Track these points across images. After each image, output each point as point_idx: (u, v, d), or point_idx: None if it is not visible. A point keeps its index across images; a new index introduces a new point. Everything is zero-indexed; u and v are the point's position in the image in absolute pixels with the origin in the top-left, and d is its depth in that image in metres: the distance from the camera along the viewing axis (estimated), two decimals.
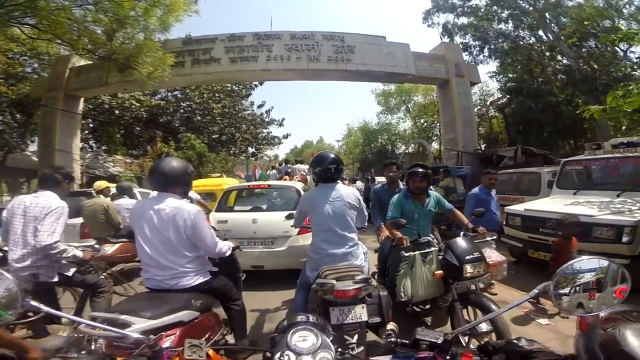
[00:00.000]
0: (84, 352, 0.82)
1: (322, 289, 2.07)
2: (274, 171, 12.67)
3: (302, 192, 5.27)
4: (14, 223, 2.67)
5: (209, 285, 2.20)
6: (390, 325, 1.82)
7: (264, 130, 22.47)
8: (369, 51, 11.62)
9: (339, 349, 0.91)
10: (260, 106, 22.15)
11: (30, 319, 2.57)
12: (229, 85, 19.39)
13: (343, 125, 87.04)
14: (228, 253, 2.38)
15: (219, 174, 14.35)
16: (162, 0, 8.19)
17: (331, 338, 0.92)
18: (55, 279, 2.74)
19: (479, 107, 21.55)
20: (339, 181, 2.78)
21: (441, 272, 2.66)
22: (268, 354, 0.91)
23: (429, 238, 3.05)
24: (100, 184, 5.60)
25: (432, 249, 2.82)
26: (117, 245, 3.99)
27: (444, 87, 13.25)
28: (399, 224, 2.91)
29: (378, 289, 2.25)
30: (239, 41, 10.94)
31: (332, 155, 2.71)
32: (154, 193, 2.31)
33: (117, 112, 15.43)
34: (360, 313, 2.05)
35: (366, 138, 30.04)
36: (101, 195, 5.32)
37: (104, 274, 3.69)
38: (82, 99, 11.82)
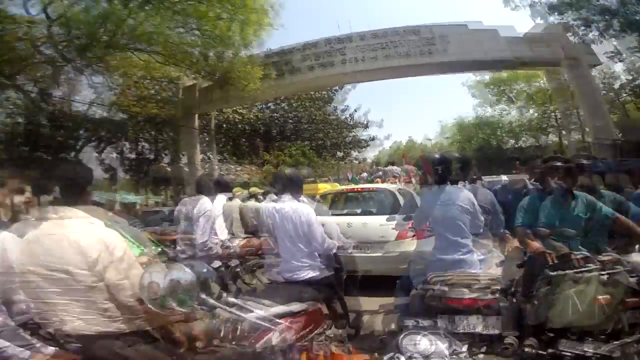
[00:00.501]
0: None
1: (431, 295, 2.00)
2: (365, 174, 12.64)
3: (398, 195, 5.08)
4: (180, 222, 3.33)
5: (318, 280, 2.43)
6: (509, 339, 1.81)
7: (350, 134, 22.58)
8: (457, 40, 10.75)
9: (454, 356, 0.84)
10: (344, 110, 22.43)
11: None
12: (316, 92, 20.01)
13: (433, 123, 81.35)
14: (334, 250, 2.62)
15: (326, 179, 14.94)
16: (239, 16, 9.00)
17: (446, 344, 0.90)
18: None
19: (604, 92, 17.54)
20: (459, 183, 2.73)
21: (608, 297, 1.91)
22: (376, 355, 0.91)
23: (586, 253, 2.19)
24: (254, 189, 6.91)
25: (591, 267, 2.03)
26: (244, 241, 4.62)
27: (553, 71, 11.28)
28: (543, 234, 2.37)
29: (500, 301, 2.02)
30: (313, 48, 11.31)
31: (438, 156, 2.68)
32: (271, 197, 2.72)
33: (224, 125, 17.63)
34: (474, 323, 1.91)
35: (464, 134, 27.40)
36: (237, 199, 6.08)
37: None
38: (196, 115, 13.85)
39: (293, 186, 2.63)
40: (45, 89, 9.55)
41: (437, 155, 2.68)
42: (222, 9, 8.95)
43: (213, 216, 3.30)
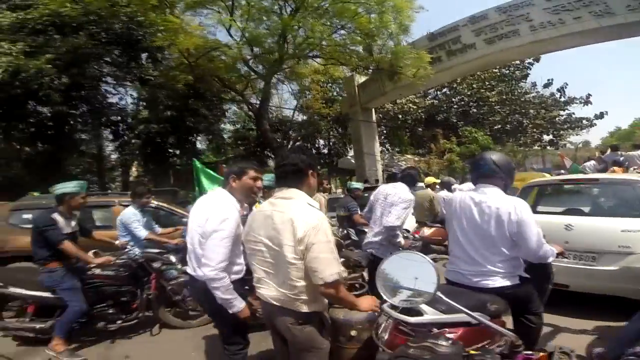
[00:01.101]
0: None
1: None
2: (592, 162, 9.59)
3: None
4: (376, 207, 3.41)
5: (513, 291, 1.94)
6: None
7: (562, 113, 17.72)
8: None
9: None
10: (546, 85, 18.00)
11: (358, 292, 3.19)
12: (496, 69, 17.08)
13: None
14: (551, 260, 2.01)
15: (523, 167, 12.89)
16: (386, 4, 8.64)
17: None
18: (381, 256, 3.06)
19: None
20: None
21: None
22: None
23: None
24: (429, 179, 6.88)
25: None
26: (433, 229, 4.91)
27: None
28: None
29: None
30: (484, 21, 9.53)
31: None
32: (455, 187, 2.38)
33: (400, 116, 17.56)
34: None
35: None
36: (429, 189, 6.42)
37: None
38: (373, 110, 14.33)
39: (500, 175, 2.06)
40: (264, 100, 12.25)
41: None
42: (367, 3, 8.96)
43: (412, 207, 3.25)
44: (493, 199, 1.97)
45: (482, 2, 10.14)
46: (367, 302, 1.64)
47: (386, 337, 1.66)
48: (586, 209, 3.92)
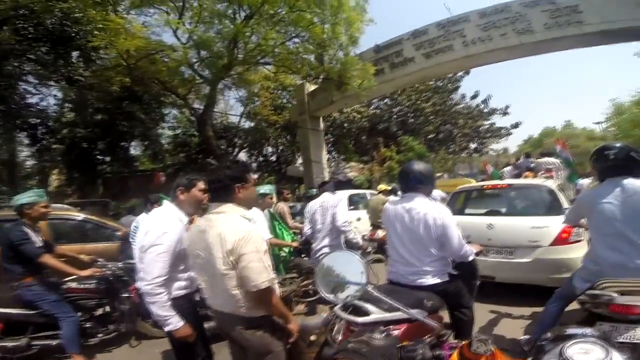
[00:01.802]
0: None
1: (595, 301, 1.84)
2: (509, 167, 10.95)
3: (558, 193, 4.26)
4: (316, 217, 3.64)
5: (445, 288, 2.19)
6: None
7: (485, 123, 20.04)
8: (607, 3, 8.12)
9: None
10: (473, 97, 20.16)
11: (311, 299, 3.34)
12: (432, 82, 18.80)
13: (600, 103, 63.30)
14: (471, 258, 2.29)
15: (440, 174, 14.14)
16: (340, 16, 9.12)
17: (626, 356, 0.77)
18: None
19: None
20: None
21: None
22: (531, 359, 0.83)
23: None
24: (381, 187, 7.61)
25: None
26: (385, 233, 5.30)
27: None
28: None
29: None
30: (424, 35, 10.39)
31: (618, 144, 2.25)
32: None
33: (345, 125, 18.26)
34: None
35: None
36: (381, 194, 7.19)
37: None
38: (320, 118, 14.68)
39: (422, 182, 2.30)
40: (208, 105, 11.83)
41: (618, 144, 2.25)
42: (322, 14, 9.30)
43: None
44: (421, 206, 2.20)
45: (426, 17, 11.06)
46: (296, 324, 1.71)
47: (339, 337, 1.79)
48: (503, 210, 4.55)
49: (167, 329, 1.84)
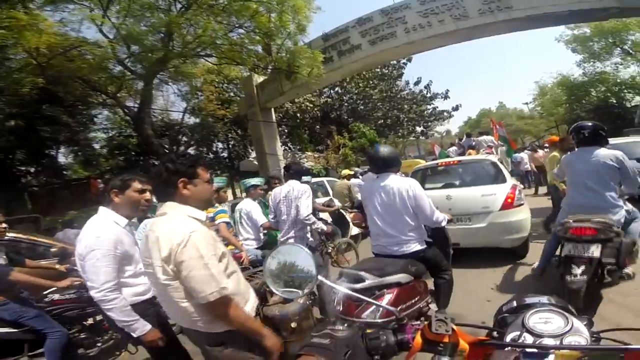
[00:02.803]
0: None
1: (562, 227, 2.71)
2: (454, 147, 11.69)
3: (499, 165, 4.75)
4: (280, 207, 3.46)
5: (424, 254, 2.45)
6: (627, 269, 2.53)
7: (429, 107, 21.20)
8: None
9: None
10: (416, 83, 21.13)
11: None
12: (379, 69, 19.29)
13: (527, 84, 70.66)
14: (444, 223, 2.53)
15: (404, 156, 14.66)
16: (287, 4, 8.93)
17: (585, 322, 0.79)
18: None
19: None
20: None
21: None
22: (496, 334, 0.88)
23: None
24: (345, 172, 8.18)
25: None
26: (352, 214, 6.07)
27: None
28: None
29: (622, 237, 2.59)
30: (369, 23, 10.52)
31: (590, 124, 3.08)
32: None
33: (298, 115, 18.10)
34: (593, 250, 2.51)
35: (571, 94, 23.29)
36: (345, 179, 7.67)
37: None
38: (272, 110, 14.28)
39: (391, 163, 2.57)
40: (144, 103, 10.89)
41: (588, 123, 3.10)
42: (269, 3, 9.00)
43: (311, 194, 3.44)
44: (394, 182, 2.47)
45: (375, 2, 10.85)
46: (273, 340, 1.45)
47: (341, 308, 1.98)
48: (457, 183, 4.91)
49: (135, 334, 1.71)
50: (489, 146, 10.48)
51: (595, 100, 21.88)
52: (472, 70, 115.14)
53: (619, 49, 20.50)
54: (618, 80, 21.37)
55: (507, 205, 4.13)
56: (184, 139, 18.87)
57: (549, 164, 5.27)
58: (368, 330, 0.84)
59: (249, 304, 1.52)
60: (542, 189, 10.24)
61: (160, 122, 16.44)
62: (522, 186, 5.04)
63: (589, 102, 22.19)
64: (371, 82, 19.18)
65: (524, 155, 12.72)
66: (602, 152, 2.89)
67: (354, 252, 5.08)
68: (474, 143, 11.10)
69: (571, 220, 2.66)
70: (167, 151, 13.21)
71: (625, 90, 21.28)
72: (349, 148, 16.77)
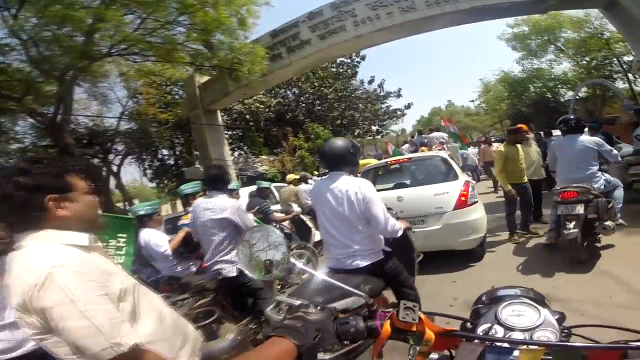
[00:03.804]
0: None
1: (555, 194, 3.67)
2: (407, 145, 11.66)
3: (451, 161, 4.42)
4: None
5: (380, 267, 2.14)
6: (607, 223, 3.36)
7: (382, 105, 21.38)
8: None
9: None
10: (370, 82, 21.28)
11: (205, 322, 2.58)
12: (334, 68, 19.11)
13: (473, 82, 75.52)
14: (400, 233, 2.18)
15: (362, 156, 14.40)
16: None
17: (557, 317, 0.79)
18: (234, 274, 2.69)
19: None
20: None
21: None
22: (469, 325, 0.88)
23: None
24: (290, 177, 7.32)
25: None
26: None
27: (611, 8, 9.39)
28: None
29: (600, 198, 3.43)
30: (319, 17, 10.23)
31: (573, 116, 4.06)
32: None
33: (247, 117, 17.24)
34: (578, 209, 3.37)
35: (512, 90, 24.84)
36: (291, 185, 6.83)
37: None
38: (218, 112, 13.36)
39: (341, 160, 2.19)
40: (63, 108, 9.49)
41: (571, 116, 4.05)
42: None
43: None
44: (343, 184, 2.10)
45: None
46: None
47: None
48: (408, 182, 4.52)
49: None
50: (441, 142, 10.51)
51: (534, 95, 23.46)
52: (423, 70, 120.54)
53: (553, 46, 22.01)
54: (552, 76, 23.05)
55: (461, 203, 3.84)
56: (119, 147, 17.16)
57: (497, 159, 4.94)
58: (340, 315, 0.83)
59: (186, 348, 1.13)
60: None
61: (83, 129, 14.63)
62: (474, 182, 4.82)
63: (528, 97, 23.72)
64: (326, 81, 18.86)
65: (470, 151, 13.11)
66: (586, 138, 3.75)
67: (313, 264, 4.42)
68: (425, 140, 11.11)
69: (559, 188, 3.63)
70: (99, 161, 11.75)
71: (559, 85, 23.05)
72: (305, 149, 16.27)
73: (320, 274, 1.18)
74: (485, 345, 0.71)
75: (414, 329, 0.75)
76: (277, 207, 7.03)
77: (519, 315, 0.76)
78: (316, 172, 12.75)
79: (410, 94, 58.15)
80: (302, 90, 19.08)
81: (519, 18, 21.15)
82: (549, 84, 23.11)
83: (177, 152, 19.12)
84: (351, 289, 0.99)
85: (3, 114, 9.51)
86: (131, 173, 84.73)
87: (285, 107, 18.98)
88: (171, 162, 19.27)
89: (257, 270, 1.07)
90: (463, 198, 3.85)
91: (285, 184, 7.60)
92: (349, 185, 2.07)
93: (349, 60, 19.68)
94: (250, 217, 3.21)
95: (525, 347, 0.67)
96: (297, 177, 7.59)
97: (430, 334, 0.75)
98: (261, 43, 10.20)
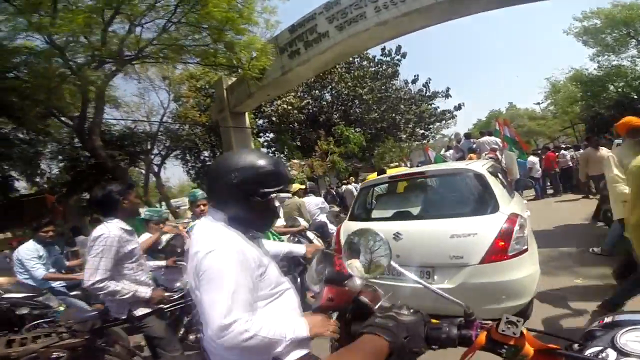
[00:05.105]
0: None
1: None
2: (451, 151, 9.93)
3: (487, 179, 2.86)
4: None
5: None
6: None
7: (429, 106, 19.34)
8: None
9: None
10: (414, 81, 19.33)
11: None
12: (372, 68, 17.54)
13: (538, 83, 67.39)
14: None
15: (397, 163, 12.92)
16: None
17: None
18: (124, 316, 2.30)
19: None
20: None
21: None
22: (576, 346, 0.79)
23: None
24: (295, 186, 6.45)
25: None
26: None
27: None
28: None
29: None
30: (337, 6, 9.03)
31: None
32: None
33: (273, 119, 16.50)
34: None
35: (586, 90, 21.17)
36: (296, 196, 6.10)
37: None
38: (245, 114, 12.85)
39: (222, 191, 1.19)
40: (97, 110, 9.60)
41: None
42: None
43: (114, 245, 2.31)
44: (195, 237, 1.16)
45: None
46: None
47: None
48: (415, 211, 3.05)
49: None
50: (493, 149, 8.63)
51: (615, 95, 20.12)
52: (478, 70, 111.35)
53: (634, 40, 18.77)
54: (637, 74, 19.58)
55: (497, 254, 2.40)
56: (157, 150, 17.56)
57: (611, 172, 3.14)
58: (433, 321, 0.84)
59: None
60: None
61: (116, 132, 15.05)
62: (528, 213, 3.22)
63: (608, 97, 20.43)
64: (362, 80, 17.46)
65: (535, 159, 10.87)
66: None
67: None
68: (474, 145, 9.35)
69: None
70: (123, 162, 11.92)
71: None
72: (338, 154, 15.08)
73: (413, 276, 1.01)
74: None
75: (512, 342, 0.73)
76: (280, 221, 6.07)
77: None
78: (352, 179, 11.60)
79: (465, 97, 53.74)
80: (337, 91, 17.91)
81: (589, 10, 18.76)
82: (633, 83, 19.51)
83: (217, 154, 19.28)
84: (451, 297, 0.89)
85: (33, 118, 9.88)
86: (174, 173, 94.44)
87: (318, 108, 17.96)
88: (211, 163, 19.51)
89: (373, 272, 1.04)
90: (501, 245, 2.42)
91: (290, 195, 6.60)
92: (199, 243, 1.10)
93: (388, 59, 18.08)
94: None
95: None
96: (303, 187, 6.54)
97: (529, 349, 0.73)
98: (280, 39, 9.50)
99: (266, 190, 1.12)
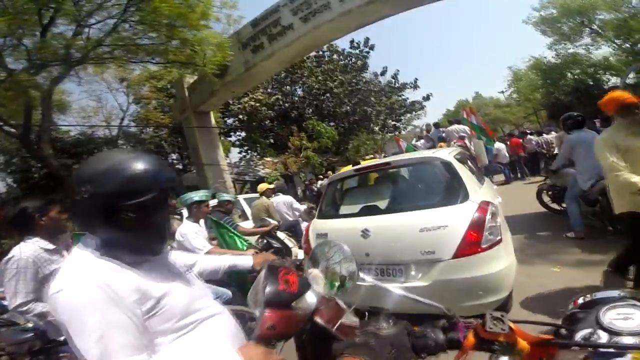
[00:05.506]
0: None
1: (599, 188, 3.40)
2: (422, 140, 9.91)
3: (457, 168, 2.68)
4: None
5: None
6: None
7: (399, 98, 19.46)
8: None
9: None
10: (382, 73, 19.45)
11: None
12: (342, 61, 17.38)
13: (501, 72, 70.17)
14: None
15: (372, 156, 12.85)
16: None
17: None
18: (62, 338, 2.03)
19: None
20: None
21: None
22: (564, 331, 0.78)
23: None
24: (262, 186, 6.08)
25: None
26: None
27: None
28: None
29: None
30: None
31: (575, 113, 4.01)
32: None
33: (240, 117, 16.02)
34: None
35: (546, 77, 22.09)
36: (264, 197, 5.78)
37: None
38: (210, 113, 12.25)
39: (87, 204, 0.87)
40: (43, 117, 8.77)
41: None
42: None
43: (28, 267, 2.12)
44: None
45: None
46: None
47: None
48: (383, 205, 2.84)
49: None
50: (461, 137, 8.69)
51: (572, 82, 21.10)
52: (444, 61, 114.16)
53: (588, 29, 19.63)
54: (592, 62, 20.61)
55: (470, 246, 2.23)
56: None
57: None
58: (415, 328, 0.80)
59: None
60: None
61: (70, 139, 14.00)
62: (499, 199, 3.10)
63: (566, 84, 21.32)
64: (333, 74, 17.26)
65: (502, 146, 11.14)
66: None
67: None
68: (444, 134, 9.39)
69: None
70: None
71: (600, 72, 20.56)
72: (312, 149, 14.82)
73: (397, 290, 0.99)
74: (586, 353, 0.67)
75: (502, 339, 0.72)
76: (249, 223, 5.74)
77: (625, 319, 0.68)
78: (330, 173, 11.37)
79: (433, 87, 55.02)
80: (308, 86, 17.61)
81: (546, 0, 19.50)
82: (588, 70, 20.56)
83: (183, 157, 18.43)
84: (431, 302, 0.86)
85: None
86: None
87: (290, 104, 17.59)
88: (180, 166, 18.63)
89: (330, 285, 0.97)
90: (474, 236, 2.25)
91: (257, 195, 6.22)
92: (55, 278, 0.84)
93: (357, 52, 17.98)
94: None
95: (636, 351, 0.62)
96: (271, 186, 6.23)
97: (524, 344, 0.71)
98: (243, 34, 9.11)
99: (134, 201, 0.82)
